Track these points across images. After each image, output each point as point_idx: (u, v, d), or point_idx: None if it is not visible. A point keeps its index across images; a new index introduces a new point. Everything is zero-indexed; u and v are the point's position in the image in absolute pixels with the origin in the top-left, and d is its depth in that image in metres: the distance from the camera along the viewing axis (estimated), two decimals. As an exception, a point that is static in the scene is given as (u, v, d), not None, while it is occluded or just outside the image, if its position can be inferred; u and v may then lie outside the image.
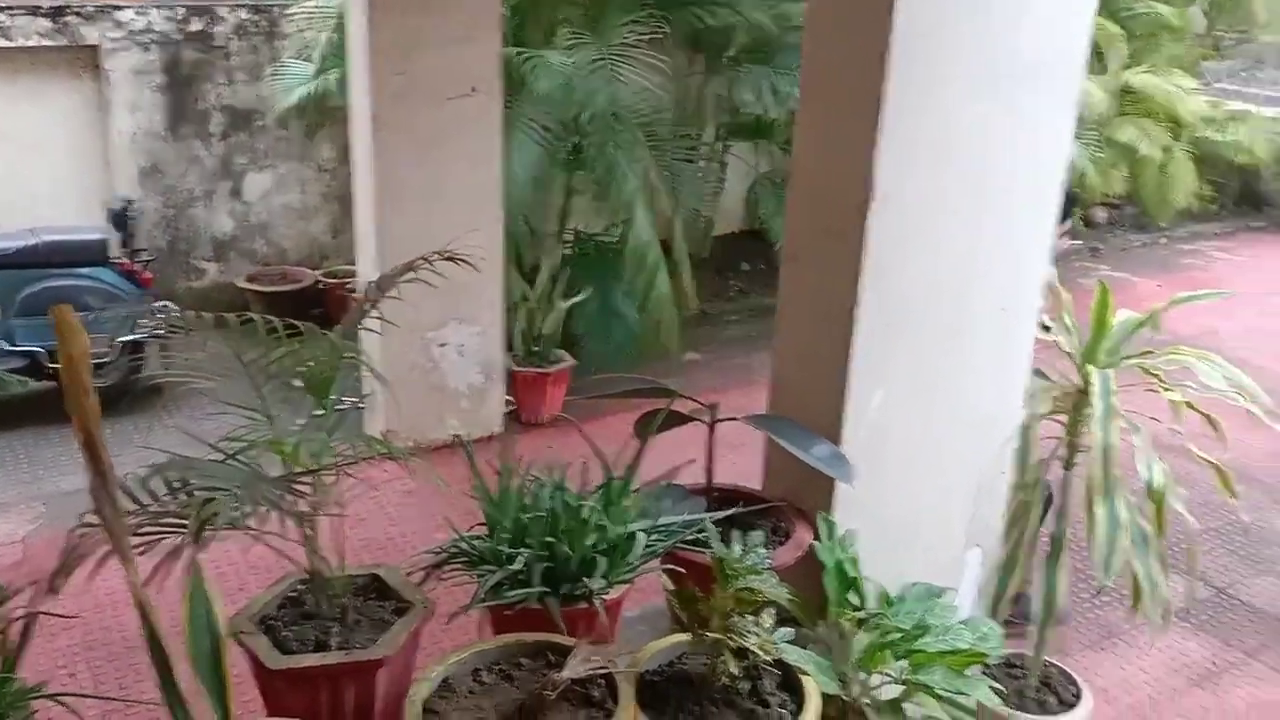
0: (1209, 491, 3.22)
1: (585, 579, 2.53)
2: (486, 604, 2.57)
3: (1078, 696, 3.48)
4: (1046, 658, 3.53)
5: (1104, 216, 10.53)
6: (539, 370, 5.75)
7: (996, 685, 3.39)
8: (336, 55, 6.09)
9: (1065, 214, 3.33)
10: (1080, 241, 9.98)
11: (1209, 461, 3.24)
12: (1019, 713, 3.33)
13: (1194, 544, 3.31)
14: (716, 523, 2.59)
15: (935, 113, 2.52)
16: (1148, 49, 9.91)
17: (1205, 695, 3.97)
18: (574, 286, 5.99)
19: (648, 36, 6.07)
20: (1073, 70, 2.73)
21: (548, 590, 2.53)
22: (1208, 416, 3.20)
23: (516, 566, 2.54)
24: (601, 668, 2.26)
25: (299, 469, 2.55)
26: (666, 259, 6.00)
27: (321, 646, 2.60)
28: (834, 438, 2.70)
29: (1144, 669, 4.08)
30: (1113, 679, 4.03)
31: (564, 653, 2.35)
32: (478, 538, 2.74)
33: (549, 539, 2.58)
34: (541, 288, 5.89)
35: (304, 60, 6.73)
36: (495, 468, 2.86)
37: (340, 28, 5.73)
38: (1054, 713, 3.38)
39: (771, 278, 7.29)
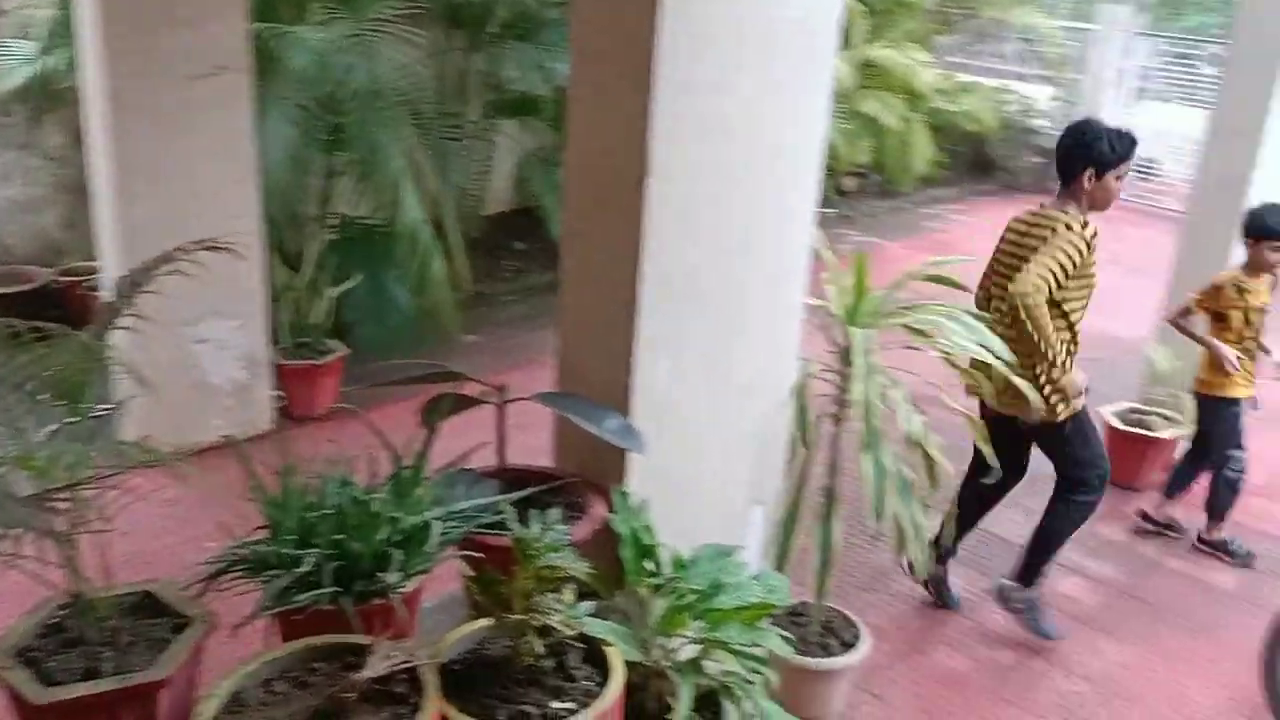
0: (960, 437, 3.49)
1: (380, 574, 2.46)
2: (274, 610, 2.45)
3: (857, 637, 3.71)
4: (826, 603, 3.74)
5: (853, 185, 11.17)
6: (309, 362, 5.53)
7: (784, 634, 3.57)
8: (64, 32, 5.58)
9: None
10: (833, 210, 10.56)
11: (960, 411, 3.51)
12: (804, 657, 3.52)
13: (951, 489, 3.59)
14: (513, 504, 2.57)
15: (704, 84, 2.59)
16: (886, 24, 10.55)
17: (967, 621, 4.32)
18: (343, 272, 5.78)
19: (404, 11, 5.91)
20: (828, 42, 2.86)
21: (340, 590, 2.44)
22: (963, 370, 3.48)
23: (305, 568, 2.43)
24: (404, 662, 2.21)
25: (53, 485, 2.34)
26: (438, 240, 5.88)
27: (92, 674, 2.40)
28: (624, 410, 2.74)
29: (913, 605, 4.40)
30: (885, 617, 4.32)
31: (362, 652, 2.28)
32: (259, 542, 2.60)
33: (338, 536, 2.49)
34: (307, 275, 5.65)
35: (27, 39, 6.14)
36: (272, 467, 2.72)
37: (66, 3, 5.26)
38: (836, 654, 3.59)
39: (546, 256, 7.30)
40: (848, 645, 3.67)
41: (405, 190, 5.64)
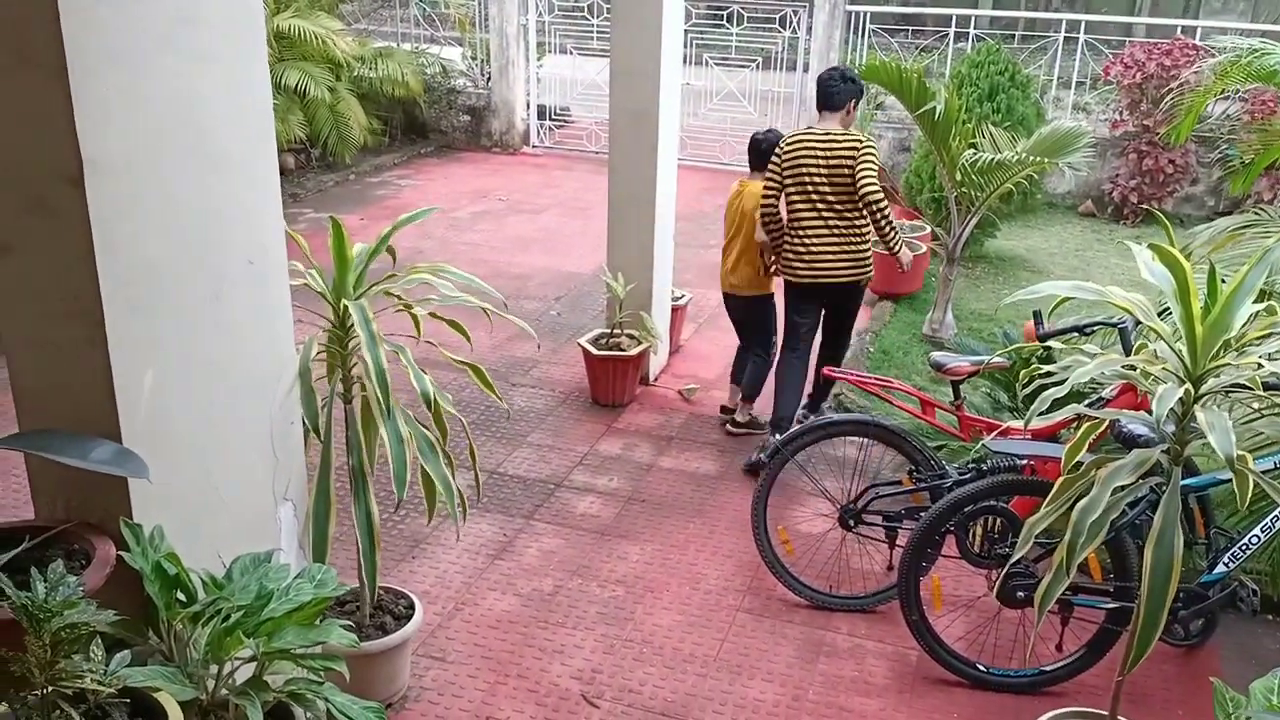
0: (462, 389, 3.57)
1: None
2: None
3: (410, 608, 3.70)
4: (375, 583, 3.68)
5: (294, 162, 10.80)
6: None
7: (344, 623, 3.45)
8: None
9: None
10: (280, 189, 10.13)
11: (464, 363, 3.60)
12: (363, 643, 3.44)
13: (470, 437, 3.68)
14: (1, 569, 2.18)
15: (130, 65, 2.32)
16: (290, -8, 10.22)
17: (506, 563, 4.49)
18: None
19: None
20: (255, 15, 2.70)
21: None
22: (451, 323, 3.55)
23: None
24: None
25: None
26: None
27: None
28: (113, 435, 2.43)
29: (453, 561, 4.47)
30: (431, 580, 4.35)
31: None
32: None
33: None
34: None
35: None
36: None
37: None
38: (392, 631, 3.56)
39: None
40: (402, 618, 3.65)
41: None
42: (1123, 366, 2.64)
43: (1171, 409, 2.56)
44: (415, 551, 4.54)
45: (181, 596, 2.51)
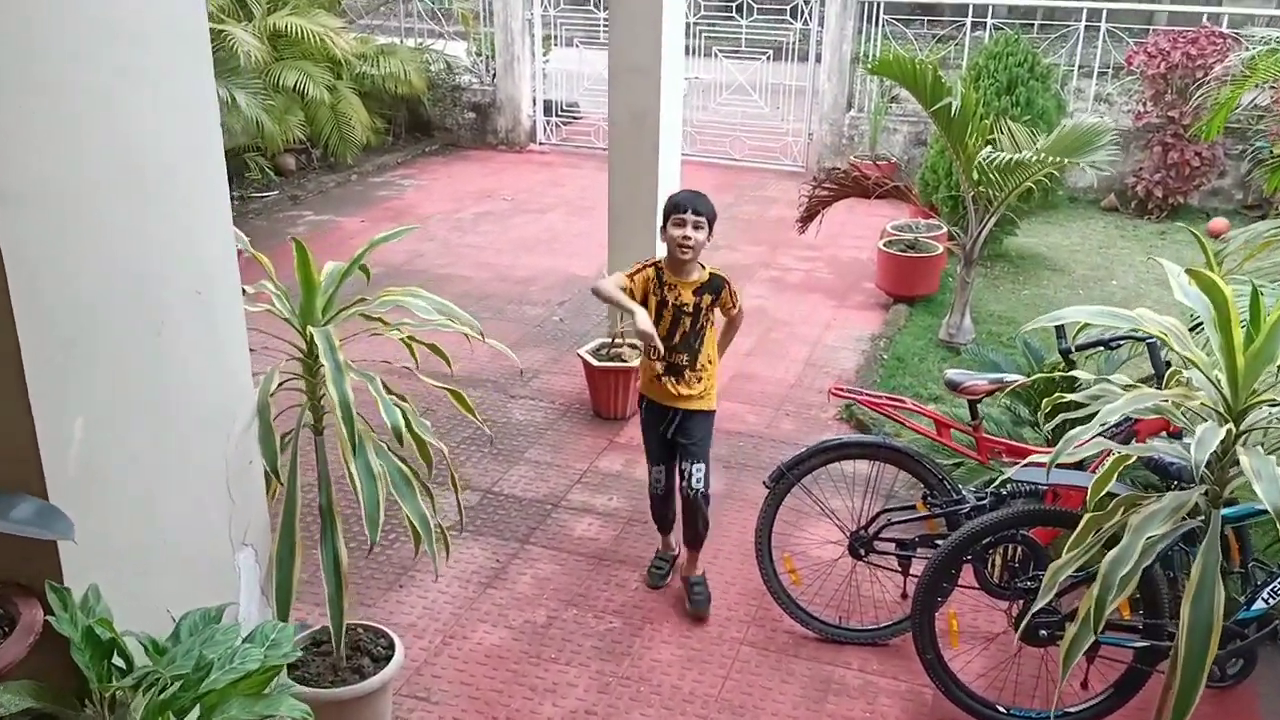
0: (454, 407, 3.34)
1: None
2: None
3: (390, 647, 3.47)
4: (351, 622, 3.46)
5: (294, 163, 10.59)
6: None
7: (303, 688, 3.23)
8: None
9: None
10: (278, 192, 9.94)
11: (444, 388, 3.37)
12: (336, 689, 3.23)
13: (452, 466, 3.44)
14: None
15: (46, 85, 2.09)
16: (287, -9, 10.00)
17: (498, 591, 4.26)
18: None
19: None
20: (196, 27, 2.47)
21: None
22: (430, 346, 3.32)
23: None
24: None
25: None
26: None
27: None
28: (37, 490, 2.20)
29: (442, 590, 4.25)
30: (418, 611, 4.13)
31: None
32: None
33: None
34: None
35: None
36: None
37: None
38: (369, 675, 3.33)
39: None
40: (381, 660, 3.43)
41: None
42: (1157, 402, 2.37)
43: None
44: (403, 580, 4.32)
45: (120, 663, 2.29)
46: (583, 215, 9.64)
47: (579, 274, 8.08)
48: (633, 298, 3.89)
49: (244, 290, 2.88)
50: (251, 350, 2.86)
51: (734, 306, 4.07)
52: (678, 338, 3.95)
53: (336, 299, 3.14)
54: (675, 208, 3.89)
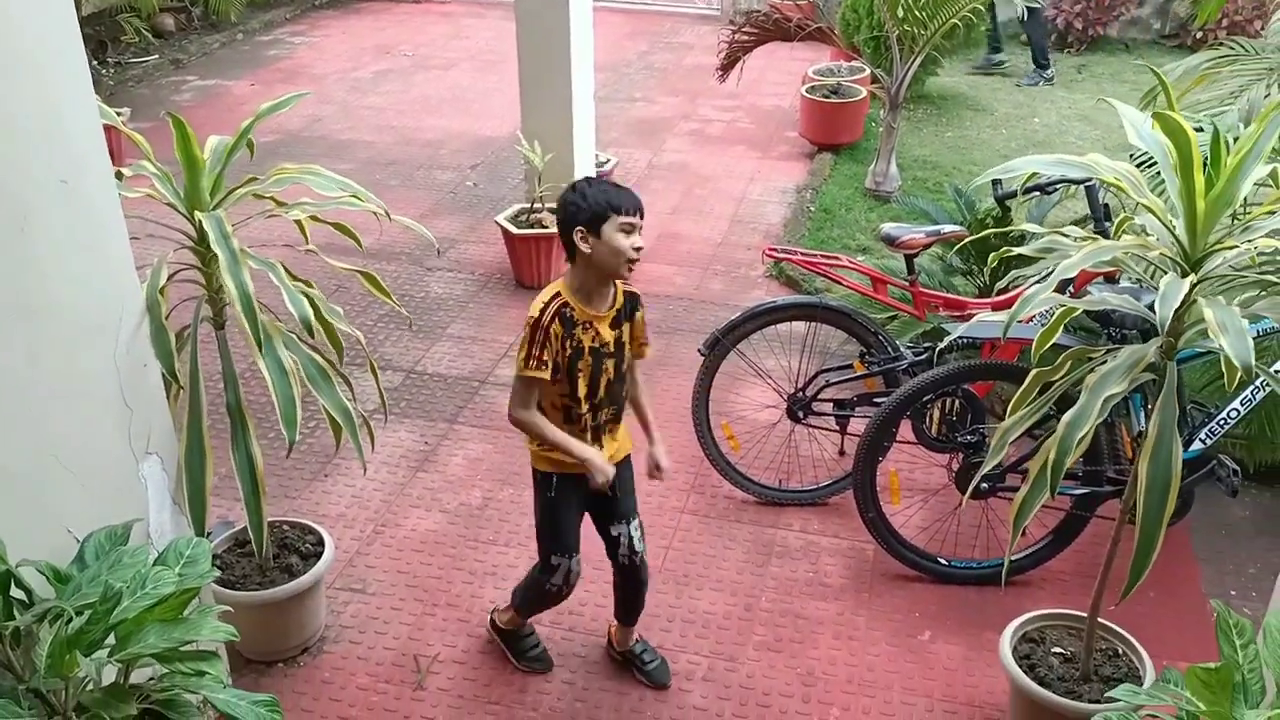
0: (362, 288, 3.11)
1: None
2: None
3: (319, 543, 3.33)
4: (275, 518, 3.31)
5: (173, 23, 9.79)
6: None
7: (229, 592, 3.08)
8: None
9: None
10: (158, 56, 9.20)
11: (353, 270, 3.13)
12: (265, 591, 3.10)
13: (369, 353, 3.24)
14: None
15: None
16: None
17: (429, 475, 4.11)
18: None
19: None
20: None
21: None
22: (336, 225, 3.05)
23: None
24: None
25: None
26: None
27: None
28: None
29: (371, 478, 4.08)
30: (346, 501, 3.97)
31: None
32: None
33: None
34: None
35: None
36: None
37: None
38: (299, 573, 3.19)
39: None
40: (310, 556, 3.29)
41: None
42: (1116, 254, 2.25)
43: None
44: (328, 469, 4.14)
45: (20, 594, 2.10)
46: (490, 71, 9.15)
47: (490, 135, 7.70)
48: (546, 369, 2.73)
49: (119, 174, 2.57)
50: (135, 239, 2.58)
51: (645, 341, 2.95)
52: (601, 391, 2.85)
53: (225, 178, 2.85)
54: (619, 209, 2.67)
